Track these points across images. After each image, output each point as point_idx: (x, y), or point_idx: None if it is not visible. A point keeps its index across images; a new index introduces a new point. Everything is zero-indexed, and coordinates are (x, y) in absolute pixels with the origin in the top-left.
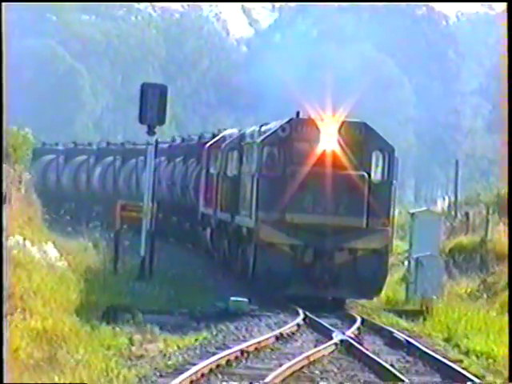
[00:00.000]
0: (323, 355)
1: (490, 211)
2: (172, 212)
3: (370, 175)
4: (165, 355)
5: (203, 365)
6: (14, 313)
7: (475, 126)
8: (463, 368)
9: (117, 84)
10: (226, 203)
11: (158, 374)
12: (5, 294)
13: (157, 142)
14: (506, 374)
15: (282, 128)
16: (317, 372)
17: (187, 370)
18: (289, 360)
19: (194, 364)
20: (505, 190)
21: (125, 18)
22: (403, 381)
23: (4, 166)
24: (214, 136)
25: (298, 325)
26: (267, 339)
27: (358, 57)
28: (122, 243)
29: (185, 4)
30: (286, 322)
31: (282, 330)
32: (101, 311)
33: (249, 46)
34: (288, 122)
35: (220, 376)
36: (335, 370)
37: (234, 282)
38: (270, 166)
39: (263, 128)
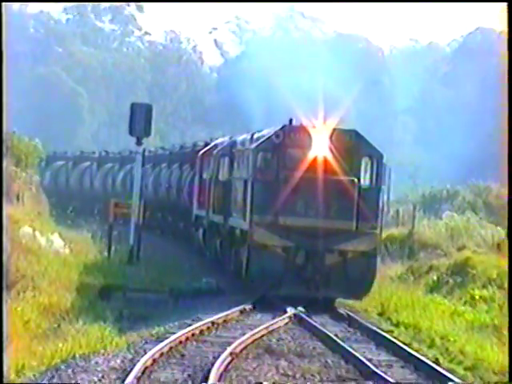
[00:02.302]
0: (279, 326)
1: (417, 208)
2: (168, 212)
3: (359, 180)
4: (149, 326)
5: (180, 333)
6: (26, 291)
7: (404, 139)
8: (394, 337)
9: (111, 103)
10: (218, 206)
11: (143, 341)
12: (13, 277)
13: (144, 151)
14: (429, 341)
15: (276, 135)
16: (274, 340)
17: (167, 338)
18: (251, 330)
19: (173, 333)
20: (429, 191)
21: (118, 49)
22: (352, 353)
23: (17, 170)
24: (206, 144)
25: (259, 301)
26: (233, 313)
27: (310, 82)
28: (115, 234)
29: (168, 38)
30: (248, 300)
31: (245, 305)
32: (97, 290)
33: (219, 73)
34: (281, 128)
35: (194, 343)
36: (289, 338)
37: (207, 266)
38: (264, 171)
39: (256, 135)
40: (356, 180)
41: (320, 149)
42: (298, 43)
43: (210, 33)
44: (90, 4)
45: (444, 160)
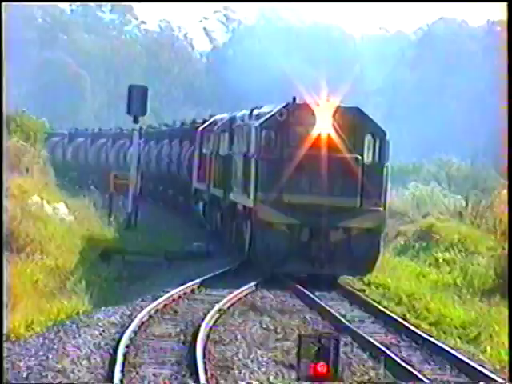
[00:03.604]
0: (265, 281)
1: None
2: (169, 185)
3: (363, 158)
4: (145, 285)
5: (173, 292)
6: (34, 254)
7: (375, 118)
8: (365, 295)
9: (110, 85)
10: (218, 180)
11: (140, 299)
12: (22, 242)
13: (140, 128)
14: (397, 299)
15: (280, 112)
16: (257, 298)
17: (162, 296)
18: (236, 288)
19: (167, 292)
20: (397, 165)
21: (117, 37)
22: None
23: (27, 145)
24: (204, 121)
25: (243, 263)
26: (220, 273)
27: (290, 66)
28: (116, 203)
29: (161, 26)
30: (233, 262)
31: (231, 266)
32: (98, 253)
33: (208, 58)
34: (285, 106)
35: (186, 300)
36: (271, 296)
37: (197, 232)
38: (268, 148)
39: (255, 111)
40: (360, 157)
41: (323, 126)
42: (279, 31)
43: (200, 21)
44: None
45: (410, 136)
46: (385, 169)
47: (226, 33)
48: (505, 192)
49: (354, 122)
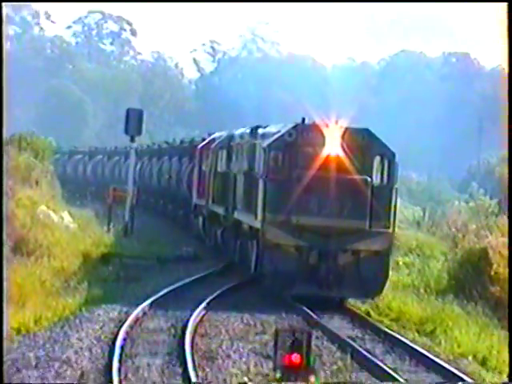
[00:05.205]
0: (246, 282)
1: None
2: (168, 201)
3: (372, 179)
4: (140, 285)
5: (165, 291)
6: (42, 257)
7: None
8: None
9: (110, 109)
10: (218, 196)
11: (136, 297)
12: (32, 246)
13: (137, 147)
14: None
15: (289, 133)
16: (239, 296)
17: (155, 294)
18: (220, 288)
19: (160, 291)
20: None
21: (116, 66)
22: None
23: (36, 161)
24: (203, 139)
25: (228, 265)
26: (208, 274)
27: (268, 92)
28: (115, 213)
29: (155, 57)
30: (217, 265)
31: (216, 268)
32: (99, 257)
33: (197, 84)
34: (294, 127)
35: (176, 299)
36: (251, 295)
37: (187, 239)
38: (277, 169)
39: (260, 131)
40: (369, 179)
41: (333, 147)
42: (258, 62)
43: (190, 52)
44: (95, 30)
45: None
46: (393, 190)
47: (213, 62)
48: (457, 203)
49: (364, 143)
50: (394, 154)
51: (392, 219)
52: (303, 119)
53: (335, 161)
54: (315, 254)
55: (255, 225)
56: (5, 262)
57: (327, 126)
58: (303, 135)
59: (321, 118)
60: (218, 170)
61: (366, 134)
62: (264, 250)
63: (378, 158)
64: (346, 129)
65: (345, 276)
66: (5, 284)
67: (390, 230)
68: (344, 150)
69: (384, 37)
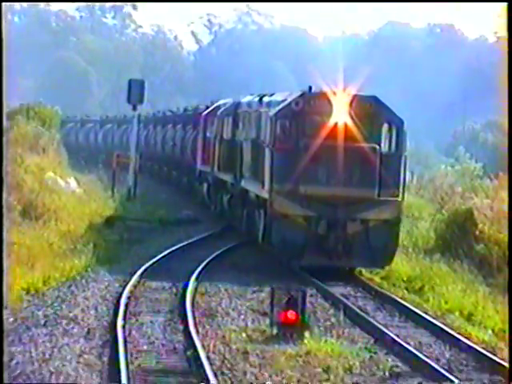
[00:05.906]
0: (242, 244)
1: None
2: (173, 168)
3: (380, 147)
4: (143, 247)
5: (166, 252)
6: (50, 220)
7: None
8: None
9: (113, 79)
10: (224, 163)
11: (139, 258)
12: (40, 210)
13: (139, 115)
14: None
15: (296, 102)
16: (236, 257)
17: (159, 255)
18: (219, 249)
19: (162, 252)
20: None
21: (118, 39)
22: None
23: (43, 129)
24: (207, 107)
25: (224, 228)
26: (206, 236)
27: (263, 62)
28: (119, 179)
29: (156, 29)
30: (216, 228)
31: (214, 230)
32: (103, 220)
33: (195, 56)
34: (301, 96)
35: (177, 259)
36: (253, 252)
37: (187, 203)
38: (284, 138)
39: (266, 99)
40: (377, 147)
41: (340, 115)
42: (254, 33)
43: (188, 25)
44: (98, 4)
45: None
46: (402, 158)
47: (210, 35)
48: (443, 166)
49: (371, 111)
50: (402, 122)
51: (401, 188)
52: (310, 87)
53: (343, 129)
54: (324, 224)
55: (263, 194)
56: (5, 227)
57: (334, 93)
58: (310, 104)
59: (327, 86)
60: (224, 137)
61: (374, 101)
62: (272, 220)
63: (386, 126)
64: (354, 96)
65: (354, 245)
66: (5, 281)
67: (400, 199)
68: (352, 117)
69: (372, 8)
